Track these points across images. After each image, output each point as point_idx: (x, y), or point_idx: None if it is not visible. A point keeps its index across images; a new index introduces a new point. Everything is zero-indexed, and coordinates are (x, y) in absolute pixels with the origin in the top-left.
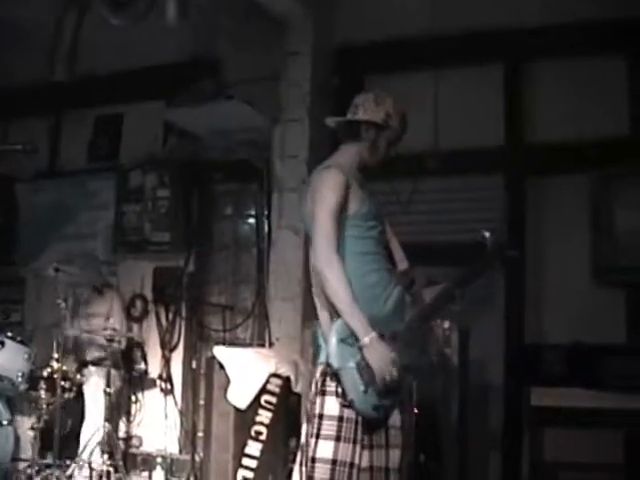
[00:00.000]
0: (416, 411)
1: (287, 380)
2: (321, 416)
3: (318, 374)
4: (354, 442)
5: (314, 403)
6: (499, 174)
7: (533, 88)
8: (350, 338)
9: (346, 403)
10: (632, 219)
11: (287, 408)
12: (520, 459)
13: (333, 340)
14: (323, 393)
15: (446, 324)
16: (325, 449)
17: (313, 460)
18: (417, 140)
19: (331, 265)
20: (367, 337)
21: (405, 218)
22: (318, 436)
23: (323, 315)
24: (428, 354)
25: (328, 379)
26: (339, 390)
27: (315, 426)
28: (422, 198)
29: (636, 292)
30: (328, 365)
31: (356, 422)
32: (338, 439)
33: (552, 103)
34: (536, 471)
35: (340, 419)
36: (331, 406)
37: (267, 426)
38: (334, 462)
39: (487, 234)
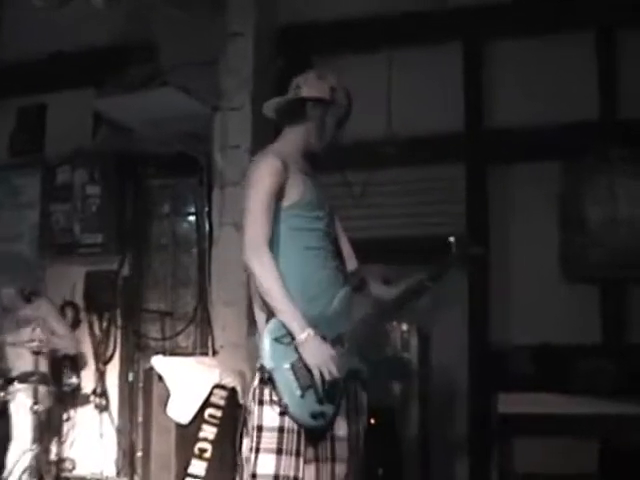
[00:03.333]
0: (372, 421)
1: (233, 391)
2: (260, 428)
3: (256, 381)
4: (297, 455)
5: (252, 414)
6: (459, 163)
7: (494, 69)
8: (285, 337)
9: (282, 409)
10: (604, 210)
11: (233, 422)
12: (488, 471)
13: (266, 340)
14: (261, 402)
15: (404, 327)
16: (266, 464)
17: (254, 476)
18: (370, 127)
19: (259, 258)
20: (303, 334)
21: (358, 212)
22: (258, 450)
23: (260, 316)
24: (381, 358)
25: (264, 386)
26: (273, 397)
27: (254, 439)
28: (376, 190)
29: (609, 288)
30: (262, 368)
31: (298, 433)
32: (279, 452)
33: (515, 85)
34: None
35: (280, 430)
36: (270, 416)
37: (212, 442)
38: (276, 477)
39: (452, 239)
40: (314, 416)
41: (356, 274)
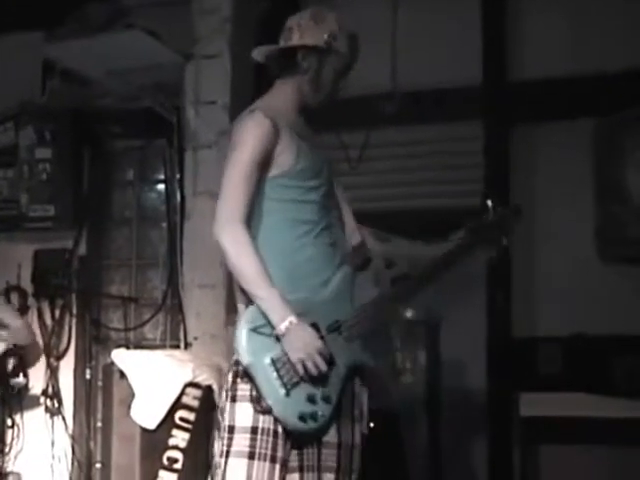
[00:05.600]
0: (371, 425)
1: (208, 390)
2: (232, 428)
3: (230, 377)
4: (272, 460)
5: (225, 413)
6: (476, 121)
7: (519, 8)
8: (266, 327)
9: (261, 409)
10: None
11: (209, 426)
12: None
13: (242, 330)
14: (234, 399)
15: (408, 314)
16: (236, 470)
17: None
18: (370, 79)
19: (232, 233)
20: (283, 323)
21: (355, 180)
22: (228, 454)
23: (240, 302)
24: (384, 352)
25: (239, 381)
26: (253, 394)
27: (225, 442)
28: (376, 154)
29: None
30: (237, 363)
31: (275, 433)
32: (252, 456)
33: (544, 27)
34: None
35: (254, 430)
36: (243, 415)
37: (184, 451)
38: None
39: (490, 203)
40: (302, 417)
41: (359, 250)
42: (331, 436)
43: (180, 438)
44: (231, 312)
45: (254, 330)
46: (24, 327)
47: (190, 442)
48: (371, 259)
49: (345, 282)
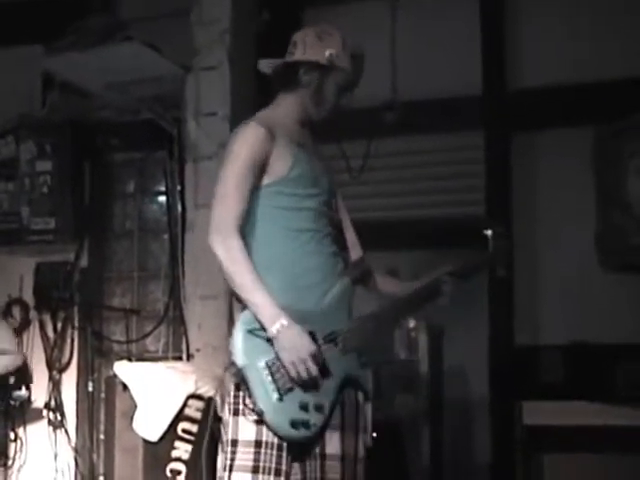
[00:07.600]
0: (374, 435)
1: (211, 402)
2: (235, 442)
3: (231, 389)
4: (277, 473)
5: (227, 426)
6: (477, 130)
7: (518, 17)
8: (262, 330)
9: (256, 416)
10: None
11: (212, 438)
12: None
13: (239, 332)
14: (236, 412)
15: (412, 323)
16: None
17: None
18: (370, 90)
19: (225, 240)
20: (274, 325)
21: (357, 190)
22: (231, 468)
23: (237, 310)
24: (385, 362)
25: (241, 394)
26: (250, 404)
27: (228, 456)
28: (378, 164)
29: None
30: (232, 364)
31: (279, 447)
32: (255, 470)
33: (544, 36)
34: None
35: (257, 444)
36: (246, 428)
37: (187, 462)
38: None
39: (489, 233)
40: (294, 425)
41: (359, 264)
42: (334, 448)
43: (183, 450)
44: (233, 323)
45: (250, 332)
46: (20, 351)
47: (193, 454)
48: (372, 272)
49: (344, 293)
